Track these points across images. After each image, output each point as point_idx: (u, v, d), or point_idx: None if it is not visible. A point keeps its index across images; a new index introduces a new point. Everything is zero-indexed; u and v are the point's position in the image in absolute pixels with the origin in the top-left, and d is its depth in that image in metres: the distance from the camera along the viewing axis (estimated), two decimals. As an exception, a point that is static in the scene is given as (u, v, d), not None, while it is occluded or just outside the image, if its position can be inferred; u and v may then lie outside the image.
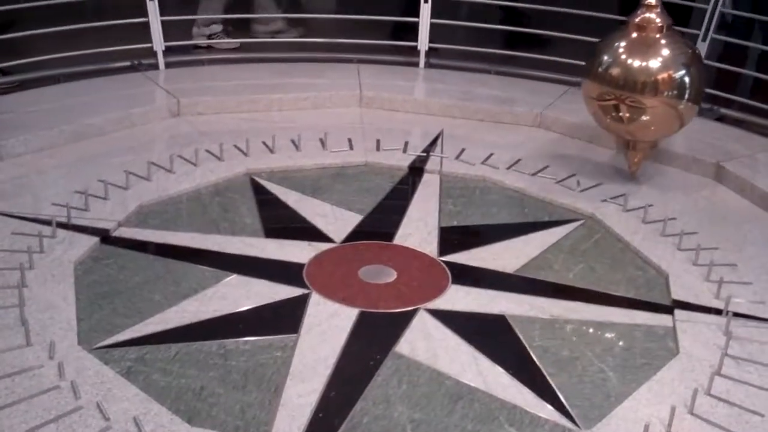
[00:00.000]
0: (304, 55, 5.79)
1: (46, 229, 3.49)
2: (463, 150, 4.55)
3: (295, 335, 3.02)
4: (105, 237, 3.55)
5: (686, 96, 4.04)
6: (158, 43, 5.33)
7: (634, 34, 4.09)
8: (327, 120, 4.90)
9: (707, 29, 5.13)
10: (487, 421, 2.68)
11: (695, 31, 5.18)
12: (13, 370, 2.70)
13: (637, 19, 4.07)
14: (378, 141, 4.58)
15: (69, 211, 3.62)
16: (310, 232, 3.70)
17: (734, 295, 3.33)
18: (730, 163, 4.48)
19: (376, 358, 2.93)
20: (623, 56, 4.06)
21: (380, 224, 3.84)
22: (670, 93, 4.02)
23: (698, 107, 4.20)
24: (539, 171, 4.38)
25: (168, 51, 5.42)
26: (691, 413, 2.71)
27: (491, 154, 4.51)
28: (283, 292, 3.27)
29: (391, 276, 3.41)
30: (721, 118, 5.19)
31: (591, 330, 3.18)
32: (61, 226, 3.55)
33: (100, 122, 4.58)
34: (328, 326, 3.08)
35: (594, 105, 4.20)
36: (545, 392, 2.82)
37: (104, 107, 4.72)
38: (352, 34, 5.80)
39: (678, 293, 3.39)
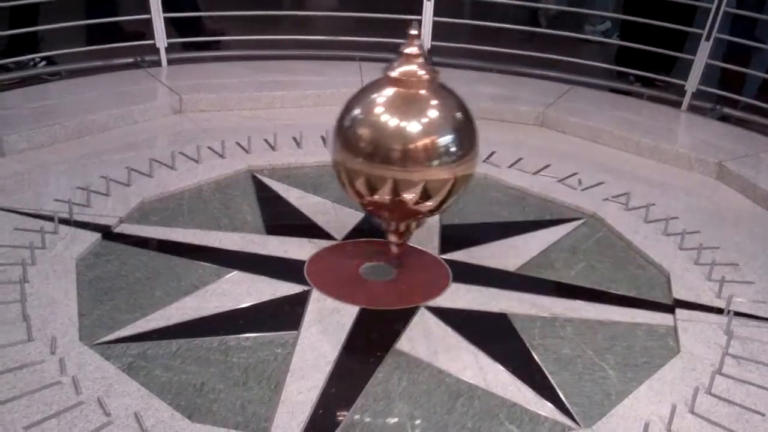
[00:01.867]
0: (307, 52, 5.79)
1: (48, 225, 3.49)
2: (465, 148, 4.55)
3: (295, 332, 3.02)
4: (107, 233, 3.55)
5: (457, 160, 3.13)
6: (161, 39, 5.34)
7: (392, 91, 3.14)
8: (329, 117, 4.85)
9: (711, 28, 5.13)
10: (487, 419, 2.68)
11: (699, 31, 5.18)
12: (14, 365, 2.70)
13: (394, 73, 3.14)
14: (380, 139, 4.57)
15: (71, 207, 3.62)
16: (311, 230, 3.70)
17: (736, 294, 3.33)
18: (732, 163, 4.48)
19: (377, 355, 2.93)
20: (384, 119, 3.08)
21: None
22: (440, 160, 3.09)
23: (473, 170, 3.27)
24: (541, 169, 4.38)
25: (170, 48, 5.43)
26: (692, 412, 2.71)
27: (493, 153, 4.51)
28: (284, 288, 3.27)
29: (392, 273, 3.40)
30: (723, 118, 5.20)
31: (592, 328, 3.18)
32: (63, 222, 3.55)
33: (103, 118, 4.59)
34: (328, 323, 3.08)
35: (350, 180, 3.19)
36: (545, 390, 2.82)
37: (106, 104, 4.73)
38: (355, 31, 5.80)
39: (679, 292, 3.39)
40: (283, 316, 3.13)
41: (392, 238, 3.33)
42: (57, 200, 3.72)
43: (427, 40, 5.64)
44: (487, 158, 4.45)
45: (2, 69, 5.22)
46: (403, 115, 3.06)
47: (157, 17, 5.29)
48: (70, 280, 3.19)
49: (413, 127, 3.05)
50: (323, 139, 4.52)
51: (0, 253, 3.31)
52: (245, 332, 3.02)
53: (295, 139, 4.51)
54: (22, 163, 4.14)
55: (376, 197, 3.12)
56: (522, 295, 3.34)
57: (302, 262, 3.44)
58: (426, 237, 3.69)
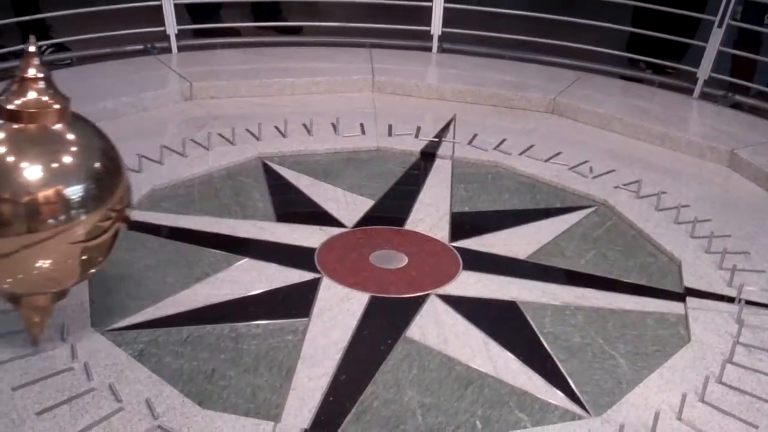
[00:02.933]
0: (317, 39, 5.78)
1: (59, 212, 3.49)
2: (475, 135, 4.55)
3: (306, 319, 3.03)
4: (117, 220, 3.55)
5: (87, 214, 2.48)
6: (171, 26, 5.33)
7: (15, 127, 2.44)
8: (339, 104, 4.89)
9: (723, 15, 5.10)
10: (497, 407, 2.68)
11: (712, 17, 5.16)
12: (26, 351, 2.71)
13: (11, 105, 2.43)
14: (390, 126, 4.58)
15: (82, 193, 3.62)
16: (322, 217, 3.70)
17: (747, 283, 3.32)
18: (744, 151, 4.46)
19: (387, 342, 2.94)
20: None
21: (392, 209, 3.84)
22: (65, 216, 2.43)
23: (119, 226, 2.63)
24: (552, 157, 4.37)
25: (181, 34, 5.43)
26: (702, 401, 2.70)
27: (504, 140, 4.51)
28: (295, 276, 3.28)
29: (402, 261, 3.40)
30: (735, 105, 5.17)
31: (602, 317, 3.18)
32: (74, 208, 3.54)
33: (113, 105, 4.59)
34: (339, 310, 3.08)
35: None
36: (556, 378, 2.82)
37: (117, 91, 4.73)
38: (365, 18, 5.79)
39: (690, 281, 3.38)
40: (294, 303, 3.13)
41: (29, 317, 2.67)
42: (68, 187, 3.72)
43: (437, 27, 5.62)
44: (498, 146, 4.44)
45: (12, 56, 5.22)
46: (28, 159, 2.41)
47: (168, 3, 5.28)
48: (81, 267, 3.20)
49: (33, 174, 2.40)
50: (334, 126, 4.51)
51: (11, 240, 3.31)
52: (256, 319, 3.02)
53: (305, 126, 4.51)
54: (33, 149, 4.14)
55: None
56: (532, 283, 3.33)
57: (313, 250, 3.44)
58: (436, 225, 3.69)
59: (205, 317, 3.01)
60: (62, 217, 2.40)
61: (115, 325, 2.93)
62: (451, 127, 4.65)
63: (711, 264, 3.50)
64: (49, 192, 2.39)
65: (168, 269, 3.29)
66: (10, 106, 2.41)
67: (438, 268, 3.39)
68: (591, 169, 4.24)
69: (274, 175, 4.07)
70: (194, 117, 4.66)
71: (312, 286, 3.21)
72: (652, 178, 4.21)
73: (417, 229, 3.66)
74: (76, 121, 2.52)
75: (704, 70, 5.19)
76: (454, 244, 3.57)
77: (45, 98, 2.45)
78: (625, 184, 4.11)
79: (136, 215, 3.60)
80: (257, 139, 4.36)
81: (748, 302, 3.22)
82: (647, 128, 4.74)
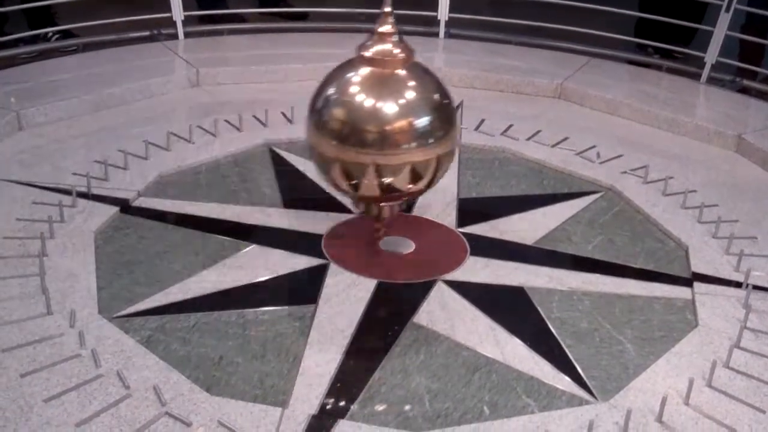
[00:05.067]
0: (323, 25, 5.77)
1: (67, 199, 3.51)
2: (482, 121, 4.54)
3: (313, 305, 3.03)
4: (125, 207, 3.57)
5: (437, 142, 3.04)
6: (177, 12, 5.33)
7: (367, 71, 3.03)
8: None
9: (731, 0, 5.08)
10: (505, 392, 2.68)
11: (719, 1, 5.14)
12: (34, 338, 2.72)
13: (368, 53, 3.03)
14: (397, 112, 4.57)
15: (89, 180, 3.63)
16: (329, 203, 3.70)
17: (754, 268, 3.32)
18: (752, 135, 4.45)
19: (394, 328, 2.94)
20: (358, 100, 2.98)
21: (399, 195, 3.83)
22: (418, 142, 3.00)
23: (454, 154, 3.21)
24: (559, 142, 4.36)
25: (187, 21, 5.42)
26: (710, 386, 2.70)
27: (511, 125, 4.50)
28: (302, 262, 3.28)
29: (410, 247, 3.40)
30: (743, 90, 5.16)
31: (609, 302, 3.17)
32: (82, 195, 3.56)
33: (120, 92, 4.59)
34: (346, 296, 3.08)
35: (326, 163, 3.10)
36: (563, 364, 2.82)
37: (124, 77, 4.73)
38: (371, 3, 5.77)
39: (697, 266, 3.38)
40: (301, 289, 3.14)
41: (376, 223, 3.31)
42: (75, 174, 3.73)
43: (444, 12, 5.61)
44: (505, 131, 4.44)
45: (19, 43, 5.23)
46: (378, 96, 2.96)
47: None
48: (88, 254, 3.20)
49: (390, 108, 2.95)
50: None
51: (19, 227, 3.33)
52: (263, 306, 3.02)
53: (312, 112, 4.50)
54: (39, 137, 4.15)
55: (354, 182, 3.05)
56: (540, 269, 3.33)
57: (320, 236, 3.44)
58: (443, 210, 3.69)
59: (213, 304, 3.02)
60: (410, 144, 2.98)
61: (123, 312, 2.94)
62: (459, 112, 4.65)
63: (718, 249, 3.49)
64: (402, 123, 2.96)
65: (175, 256, 3.30)
66: (368, 55, 3.02)
67: (445, 254, 3.39)
68: (598, 155, 4.24)
69: (281, 162, 4.07)
70: (201, 103, 4.66)
71: (319, 273, 3.22)
72: (659, 163, 4.20)
73: (424, 214, 3.66)
74: (417, 68, 3.08)
75: (712, 54, 5.18)
76: (462, 229, 3.56)
77: (396, 50, 3.03)
78: (632, 170, 4.10)
79: (143, 202, 3.62)
80: (264, 125, 4.36)
81: (756, 287, 3.21)
82: (655, 113, 4.73)
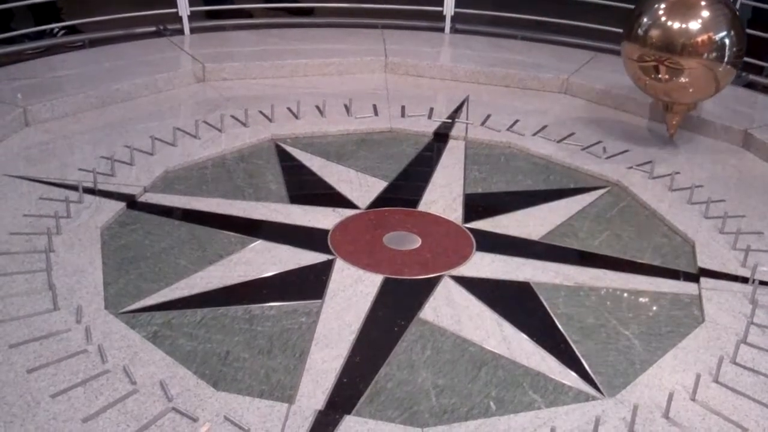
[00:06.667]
0: (329, 20, 5.77)
1: (73, 195, 3.51)
2: (488, 116, 4.54)
3: (319, 301, 3.03)
4: (131, 202, 3.57)
5: (725, 59, 4.07)
6: (183, 8, 5.33)
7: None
8: (352, 86, 4.89)
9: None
10: (511, 388, 2.68)
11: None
12: (40, 333, 2.72)
13: None
14: (403, 107, 4.57)
15: (95, 176, 3.64)
16: (335, 199, 3.70)
17: (761, 263, 3.31)
18: (758, 131, 4.44)
19: (401, 324, 2.94)
20: (663, 18, 4.09)
21: (405, 191, 3.83)
22: (709, 55, 4.04)
23: (736, 71, 4.22)
24: (565, 138, 4.36)
25: (193, 16, 5.42)
26: (716, 381, 2.70)
27: (517, 121, 4.50)
28: (308, 258, 3.28)
29: (416, 242, 3.40)
30: (749, 85, 5.15)
31: (616, 297, 3.17)
32: (88, 191, 3.56)
33: (126, 87, 4.59)
34: (352, 292, 3.09)
35: (634, 66, 4.22)
36: (569, 359, 2.82)
37: (130, 73, 4.73)
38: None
39: (704, 261, 3.37)
40: (307, 285, 3.14)
41: (670, 118, 4.33)
42: (81, 170, 3.73)
43: (450, 8, 5.60)
44: (511, 126, 4.44)
45: (25, 39, 5.23)
46: (683, 17, 4.05)
47: (180, -15, 5.29)
48: (95, 250, 3.21)
49: (693, 25, 4.03)
50: (346, 107, 4.51)
51: (25, 223, 3.33)
52: (269, 301, 3.03)
53: (318, 107, 4.51)
54: (46, 132, 4.15)
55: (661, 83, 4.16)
56: (546, 264, 3.33)
57: (326, 231, 3.44)
58: (449, 206, 3.69)
59: (219, 299, 3.02)
60: (712, 54, 4.06)
61: (129, 308, 2.94)
62: (464, 108, 4.65)
63: (725, 244, 3.48)
64: (703, 37, 4.04)
65: (181, 251, 3.30)
66: None
67: (451, 250, 3.39)
68: (604, 150, 4.23)
69: (287, 157, 4.07)
70: (207, 99, 4.66)
71: (325, 268, 3.22)
72: (665, 158, 4.19)
73: (430, 210, 3.66)
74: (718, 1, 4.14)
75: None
76: (468, 225, 3.56)
77: None
78: (638, 165, 4.10)
79: (149, 197, 3.62)
80: (270, 120, 4.36)
81: (762, 282, 3.21)
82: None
